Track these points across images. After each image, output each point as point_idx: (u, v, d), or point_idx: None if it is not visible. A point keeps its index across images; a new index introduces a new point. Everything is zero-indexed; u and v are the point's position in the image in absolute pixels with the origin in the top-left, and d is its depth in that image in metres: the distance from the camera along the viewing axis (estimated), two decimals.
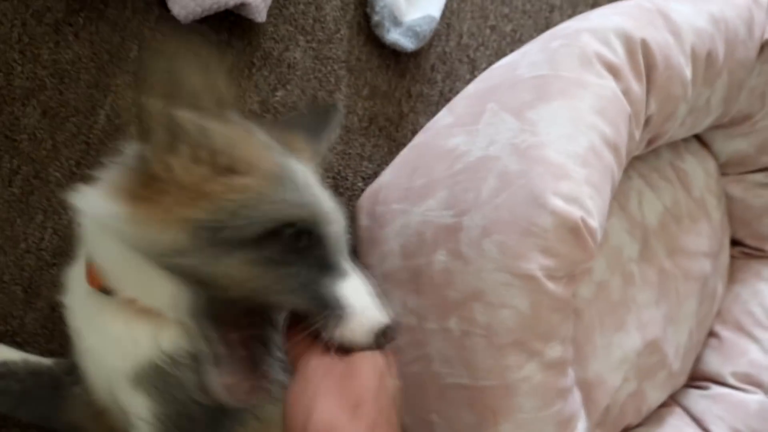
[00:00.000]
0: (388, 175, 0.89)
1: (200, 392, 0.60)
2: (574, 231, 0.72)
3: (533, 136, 0.77)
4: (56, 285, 0.81)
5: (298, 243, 0.58)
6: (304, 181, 0.62)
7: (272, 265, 0.57)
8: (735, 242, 1.24)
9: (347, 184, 0.98)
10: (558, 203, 0.72)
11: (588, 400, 0.95)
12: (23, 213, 0.80)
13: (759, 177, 1.19)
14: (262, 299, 0.59)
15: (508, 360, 0.75)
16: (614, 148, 0.81)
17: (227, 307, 0.59)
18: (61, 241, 0.82)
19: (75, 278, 0.70)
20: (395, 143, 1.03)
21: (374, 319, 0.60)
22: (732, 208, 1.21)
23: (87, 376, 0.70)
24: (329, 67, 0.98)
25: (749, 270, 1.23)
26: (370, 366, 0.58)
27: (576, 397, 0.85)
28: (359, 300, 0.60)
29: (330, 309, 0.59)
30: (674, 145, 1.11)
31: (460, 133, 0.84)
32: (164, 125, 0.57)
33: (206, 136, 0.58)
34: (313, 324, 0.59)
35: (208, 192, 0.57)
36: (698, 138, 1.17)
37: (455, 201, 0.78)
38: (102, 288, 0.64)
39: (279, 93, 0.94)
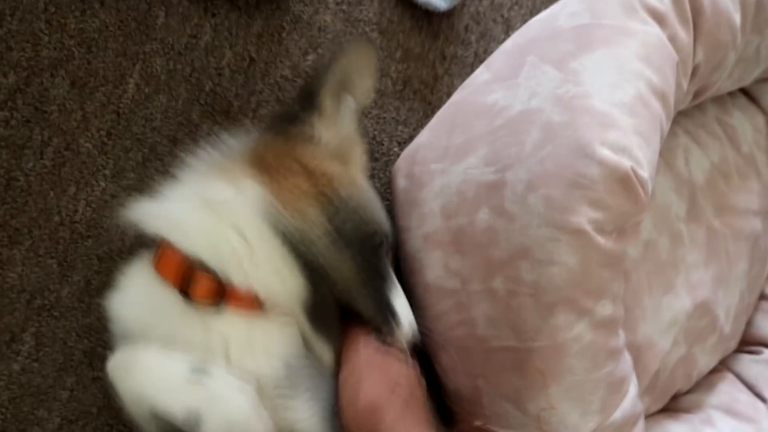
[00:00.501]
0: (425, 135, 0.86)
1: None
2: (624, 181, 0.69)
3: (577, 86, 0.74)
4: (91, 258, 0.80)
5: (379, 250, 0.68)
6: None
7: (366, 268, 0.66)
8: None
9: (383, 149, 0.96)
10: (606, 153, 0.69)
11: (638, 364, 0.92)
12: (56, 185, 0.79)
13: None
14: (353, 300, 0.67)
15: (557, 319, 0.72)
16: (662, 96, 0.77)
17: (328, 307, 0.66)
18: (95, 213, 0.80)
19: (163, 308, 0.64)
20: (430, 106, 1.00)
21: (411, 333, 0.71)
22: None
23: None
24: (360, 30, 0.95)
25: None
26: (402, 361, 0.68)
27: (627, 359, 0.82)
28: (405, 314, 0.70)
29: (389, 316, 0.68)
30: (720, 100, 1.07)
31: (499, 88, 0.80)
32: (332, 103, 0.69)
33: (340, 125, 0.70)
34: (372, 325, 0.67)
35: (327, 175, 0.66)
36: (745, 93, 1.12)
37: (497, 157, 0.75)
38: (210, 299, 0.62)
39: (310, 57, 0.91)
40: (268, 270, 0.63)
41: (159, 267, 0.64)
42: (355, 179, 0.69)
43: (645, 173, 0.71)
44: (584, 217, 0.69)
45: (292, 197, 0.64)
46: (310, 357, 0.65)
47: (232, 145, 0.70)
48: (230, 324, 0.62)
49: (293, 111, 0.70)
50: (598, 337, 0.74)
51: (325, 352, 0.66)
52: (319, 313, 0.65)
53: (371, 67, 0.73)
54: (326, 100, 0.70)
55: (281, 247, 0.63)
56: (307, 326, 0.65)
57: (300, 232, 0.63)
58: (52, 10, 0.78)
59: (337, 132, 0.70)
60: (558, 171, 0.70)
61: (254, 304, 0.63)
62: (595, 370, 0.75)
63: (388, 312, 0.68)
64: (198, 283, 0.62)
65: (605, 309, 0.73)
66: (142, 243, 0.70)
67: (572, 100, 0.73)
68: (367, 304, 0.67)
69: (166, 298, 0.63)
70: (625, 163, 0.69)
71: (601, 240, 0.70)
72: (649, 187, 0.72)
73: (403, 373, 0.66)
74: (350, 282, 0.65)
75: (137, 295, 0.66)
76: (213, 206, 0.64)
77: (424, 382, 0.70)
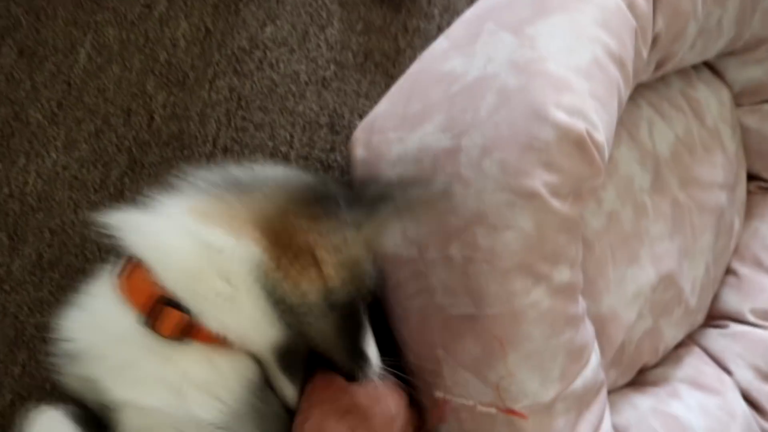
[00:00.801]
0: (383, 105, 0.85)
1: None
2: (579, 144, 0.68)
3: (533, 50, 0.73)
4: (42, 231, 0.78)
5: (361, 310, 0.69)
6: None
7: (348, 324, 0.67)
8: (752, 177, 1.20)
9: (344, 123, 0.95)
10: (560, 115, 0.68)
11: (602, 336, 0.91)
12: (4, 157, 0.77)
13: None
14: (328, 351, 0.67)
15: (514, 285, 0.71)
16: (620, 62, 0.76)
17: (300, 354, 0.67)
18: (46, 185, 0.79)
19: (122, 333, 0.62)
20: (392, 80, 0.99)
21: (376, 371, 0.70)
22: (748, 141, 1.17)
23: None
24: (320, 1, 0.94)
25: (767, 204, 1.18)
26: (364, 390, 0.70)
27: (588, 327, 0.81)
28: (374, 356, 0.70)
29: (362, 363, 0.69)
30: (685, 73, 1.07)
31: (456, 55, 0.80)
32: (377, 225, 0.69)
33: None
34: (341, 370, 0.69)
35: (333, 278, 0.65)
36: (710, 67, 1.12)
37: (453, 123, 0.74)
38: (176, 334, 0.60)
39: (268, 28, 0.90)
40: (246, 321, 0.62)
41: (126, 287, 0.62)
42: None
43: (601, 137, 0.70)
44: (539, 180, 0.68)
45: (294, 275, 0.63)
46: (267, 394, 0.65)
47: (239, 182, 0.67)
48: (191, 359, 0.60)
49: (336, 201, 0.67)
50: (556, 303, 0.73)
51: (288, 389, 0.67)
52: (291, 358, 0.66)
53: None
54: (376, 221, 0.68)
55: (267, 306, 0.62)
56: (274, 366, 0.65)
57: (293, 305, 0.63)
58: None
59: (360, 249, 0.68)
60: (512, 135, 0.69)
61: (221, 341, 0.62)
62: (553, 337, 0.74)
63: (361, 360, 0.69)
64: (167, 319, 0.60)
65: (563, 274, 0.73)
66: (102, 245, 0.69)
67: (528, 64, 0.72)
68: (342, 355, 0.68)
69: (127, 323, 0.60)
70: (580, 125, 0.68)
71: (556, 203, 0.69)
72: (606, 151, 0.72)
73: (362, 402, 0.68)
74: (329, 338, 0.66)
75: (96, 317, 0.63)
76: (207, 250, 0.61)
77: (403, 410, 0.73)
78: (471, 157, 0.71)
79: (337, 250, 0.65)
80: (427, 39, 1.02)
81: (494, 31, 0.78)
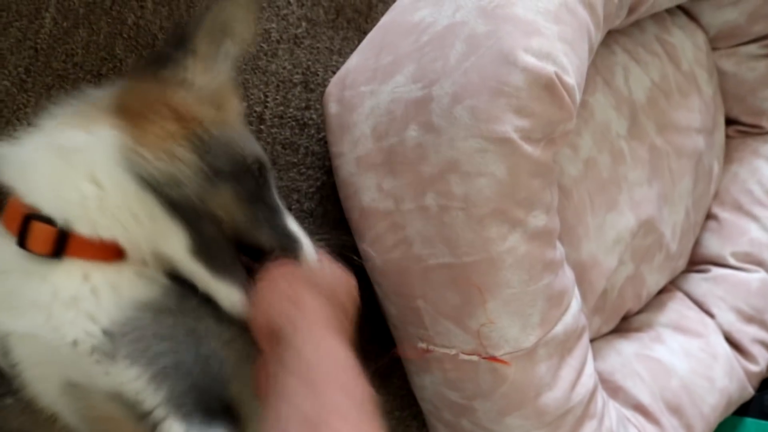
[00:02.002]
0: (354, 59, 0.84)
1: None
2: (549, 87, 0.68)
3: None
4: None
5: (260, 180, 0.64)
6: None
7: (250, 198, 0.63)
8: (730, 121, 1.20)
9: (318, 80, 0.94)
10: (529, 59, 0.68)
11: (583, 283, 0.92)
12: None
13: (752, 48, 1.14)
14: (244, 234, 0.63)
15: (490, 231, 0.71)
16: (589, 5, 0.76)
17: (220, 246, 0.62)
18: None
19: (6, 263, 0.60)
20: (365, 35, 0.98)
21: (312, 250, 0.66)
22: (725, 85, 1.17)
23: (26, 374, 0.59)
24: None
25: (746, 148, 1.19)
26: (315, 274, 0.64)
27: (567, 273, 0.82)
28: (301, 234, 0.66)
29: (288, 241, 0.65)
30: (660, 18, 1.06)
31: (425, 5, 0.79)
32: (208, 47, 0.66)
33: (222, 63, 0.67)
34: (279, 256, 0.63)
35: (198, 118, 0.62)
36: (685, 11, 1.11)
37: (423, 73, 0.74)
38: (49, 250, 0.58)
39: None
40: (124, 217, 0.60)
41: (3, 218, 0.61)
42: (228, 121, 0.66)
43: (571, 80, 0.70)
44: (510, 125, 0.68)
45: (158, 140, 0.60)
46: (187, 313, 0.61)
47: (98, 94, 0.66)
48: (64, 276, 0.58)
49: (165, 53, 0.66)
50: (533, 249, 0.74)
51: (227, 291, 0.61)
52: (212, 254, 0.61)
53: (252, 14, 0.70)
54: (202, 43, 0.66)
55: (142, 193, 0.59)
56: (200, 270, 0.61)
57: (167, 175, 0.59)
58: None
59: (213, 77, 0.66)
60: (482, 81, 0.69)
61: (108, 253, 0.60)
62: (531, 282, 0.75)
63: (286, 238, 0.65)
64: (35, 234, 0.58)
65: (538, 219, 0.73)
66: None
67: (495, 9, 0.72)
68: (263, 234, 0.64)
69: (9, 252, 0.59)
70: (549, 68, 0.68)
71: (528, 148, 0.69)
72: (577, 94, 0.72)
73: (315, 284, 0.62)
74: (236, 215, 0.62)
75: None
76: (64, 154, 0.60)
77: (355, 293, 0.66)
78: (442, 106, 0.71)
79: (190, 93, 0.64)
80: None
81: None
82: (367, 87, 0.79)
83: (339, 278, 0.65)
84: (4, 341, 0.58)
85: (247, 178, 0.63)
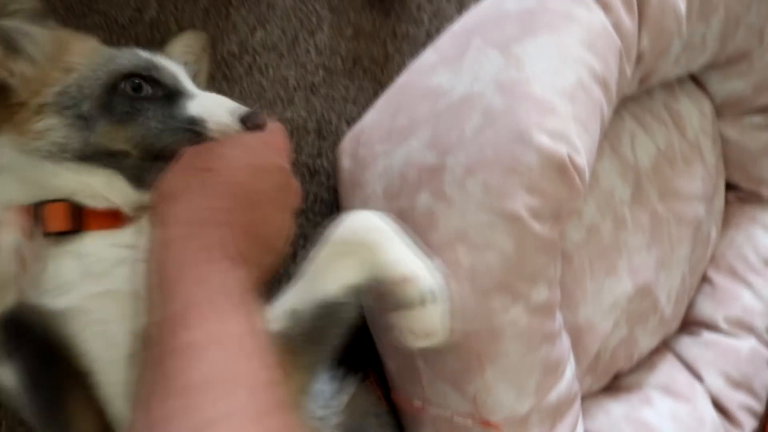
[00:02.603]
0: (370, 117, 0.86)
1: None
2: (561, 169, 0.70)
3: (518, 71, 0.74)
4: None
5: (141, 91, 0.64)
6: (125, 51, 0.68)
7: (132, 116, 0.63)
8: (730, 186, 1.22)
9: (332, 128, 0.95)
10: (543, 140, 0.69)
11: (578, 346, 0.94)
12: None
13: (756, 119, 1.16)
14: (153, 148, 0.63)
15: (493, 303, 0.73)
16: (603, 83, 0.78)
17: (148, 167, 0.62)
18: None
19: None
20: (380, 85, 1.00)
21: (231, 106, 0.64)
22: (727, 151, 1.19)
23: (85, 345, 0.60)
24: (310, 6, 0.94)
25: (744, 215, 1.21)
26: (229, 142, 0.62)
27: (564, 341, 0.83)
28: (210, 103, 0.65)
29: (196, 126, 0.63)
30: (668, 86, 1.08)
31: (444, 71, 0.80)
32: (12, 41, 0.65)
33: (32, 36, 0.65)
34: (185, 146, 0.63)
35: (51, 80, 0.64)
36: (693, 78, 1.13)
37: (438, 140, 0.75)
38: (69, 225, 0.61)
39: (258, 33, 0.90)
40: (83, 185, 0.63)
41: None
42: (76, 66, 0.65)
43: (582, 160, 0.71)
44: (520, 203, 0.70)
45: (25, 125, 0.63)
46: None
47: None
48: (95, 244, 0.62)
49: None
50: (533, 321, 0.75)
51: None
52: (147, 178, 0.63)
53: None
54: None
55: (61, 166, 0.63)
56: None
57: (52, 145, 0.62)
58: None
59: (30, 48, 0.66)
60: (496, 157, 0.70)
61: (115, 219, 0.64)
62: (530, 354, 0.76)
63: (189, 125, 0.63)
64: (49, 215, 0.62)
65: (541, 294, 0.75)
66: None
67: (513, 85, 0.73)
68: (164, 138, 0.63)
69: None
70: (562, 150, 0.69)
71: (536, 226, 0.71)
72: (587, 174, 0.73)
73: (226, 153, 0.61)
74: (131, 139, 0.63)
75: None
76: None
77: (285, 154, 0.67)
78: (455, 176, 0.72)
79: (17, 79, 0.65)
80: (416, 45, 1.03)
81: (482, 47, 0.79)
82: (381, 147, 0.81)
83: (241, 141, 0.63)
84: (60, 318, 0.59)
85: (120, 101, 0.63)
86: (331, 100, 0.96)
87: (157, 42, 0.84)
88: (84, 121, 0.63)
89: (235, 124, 0.63)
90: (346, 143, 0.85)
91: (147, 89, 0.64)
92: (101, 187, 0.63)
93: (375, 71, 0.99)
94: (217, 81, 0.88)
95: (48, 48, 0.66)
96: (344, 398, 0.86)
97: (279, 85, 0.92)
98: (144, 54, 0.68)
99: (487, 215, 0.71)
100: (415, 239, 0.76)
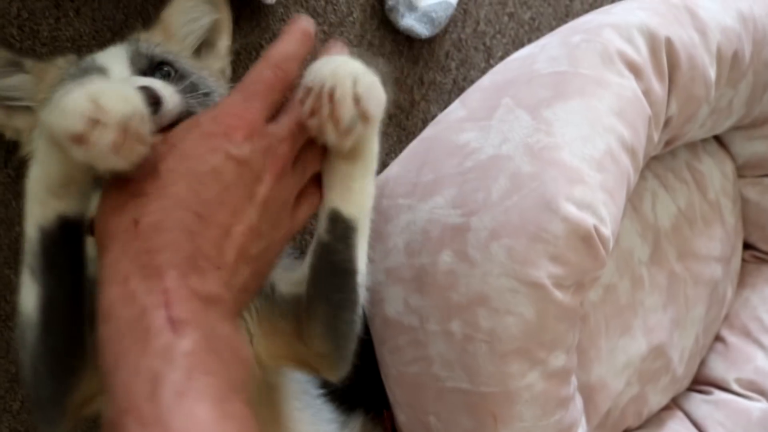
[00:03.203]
0: (395, 168, 0.86)
1: None
2: (586, 239, 0.70)
3: (548, 136, 0.74)
4: None
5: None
6: None
7: None
8: (747, 246, 1.21)
9: None
10: (570, 209, 0.69)
11: (589, 405, 0.93)
12: (18, 195, 0.78)
13: None
14: None
15: (511, 367, 0.73)
16: (632, 152, 0.78)
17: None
18: None
19: None
20: (405, 132, 1.00)
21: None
22: (746, 211, 1.18)
23: None
24: None
25: (760, 275, 1.20)
26: (161, 151, 0.52)
27: (577, 404, 0.83)
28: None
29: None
30: (692, 145, 1.08)
31: (472, 128, 0.81)
32: None
33: (18, 86, 0.68)
34: None
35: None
36: (717, 138, 1.13)
37: (464, 200, 0.75)
38: None
39: None
40: None
41: None
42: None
43: (607, 231, 0.71)
44: (544, 271, 0.70)
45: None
46: None
47: None
48: None
49: None
50: (549, 387, 0.75)
51: None
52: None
53: None
54: None
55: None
56: None
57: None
58: (25, 15, 0.77)
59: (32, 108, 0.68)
60: (522, 223, 0.70)
61: None
62: (544, 418, 0.76)
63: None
64: None
65: (558, 360, 0.74)
66: None
67: (542, 150, 0.73)
68: None
69: None
70: (589, 221, 0.69)
71: (559, 295, 0.70)
72: (611, 244, 0.73)
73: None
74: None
75: None
76: None
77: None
78: (479, 239, 0.72)
79: None
80: (442, 92, 1.03)
81: (511, 107, 0.79)
82: (405, 200, 0.81)
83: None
84: None
85: None
86: None
87: None
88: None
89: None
90: None
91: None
92: None
93: (400, 118, 1.00)
94: None
95: (35, 90, 0.67)
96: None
97: None
98: (84, 62, 0.66)
99: (510, 281, 0.70)
100: (436, 297, 0.76)
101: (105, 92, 0.47)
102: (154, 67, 0.65)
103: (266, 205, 0.54)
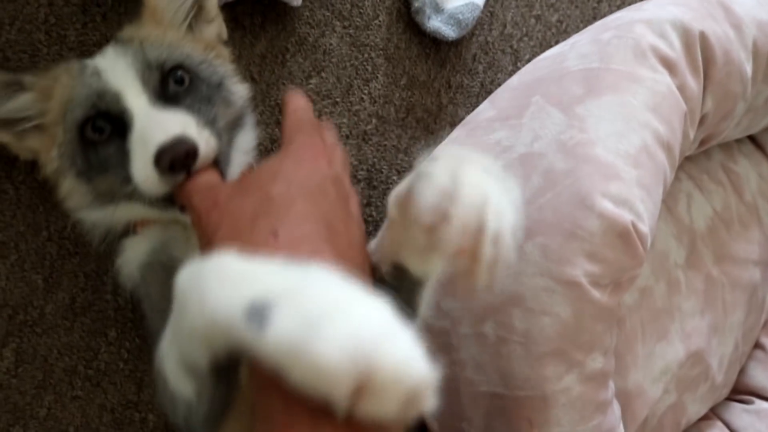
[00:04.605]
0: None
1: None
2: (624, 236, 0.67)
3: (581, 132, 0.72)
4: (77, 275, 0.78)
5: (103, 132, 0.60)
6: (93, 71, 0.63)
7: (103, 165, 0.61)
8: None
9: (381, 177, 0.94)
10: (607, 206, 0.67)
11: (627, 412, 0.90)
12: (46, 200, 0.77)
13: None
14: (137, 198, 0.60)
15: (547, 370, 0.70)
16: (668, 147, 0.76)
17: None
18: (83, 230, 0.79)
19: None
20: (433, 135, 0.99)
21: (153, 148, 0.56)
22: None
23: None
24: (366, 55, 0.93)
25: None
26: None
27: (615, 409, 0.80)
28: (138, 151, 0.58)
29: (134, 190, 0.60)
30: (727, 147, 1.06)
31: (502, 127, 0.79)
32: None
33: (22, 106, 0.66)
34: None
35: (56, 138, 0.64)
36: (752, 139, 1.10)
37: None
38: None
39: (313, 80, 0.90)
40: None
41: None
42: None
43: (645, 227, 0.69)
44: (580, 269, 0.68)
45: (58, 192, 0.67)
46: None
47: None
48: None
49: None
50: (587, 390, 0.72)
51: None
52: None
53: None
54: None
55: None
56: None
57: (75, 204, 0.66)
58: (53, 21, 0.77)
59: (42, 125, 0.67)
60: (557, 221, 0.69)
61: None
62: (582, 423, 0.73)
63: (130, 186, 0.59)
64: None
65: (596, 362, 0.72)
66: None
67: (576, 147, 0.71)
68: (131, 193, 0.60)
69: None
70: (626, 217, 0.67)
71: (596, 293, 0.68)
72: (648, 241, 0.71)
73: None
74: (113, 190, 0.62)
75: None
76: None
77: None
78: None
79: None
80: (469, 95, 1.02)
81: (542, 105, 0.77)
82: None
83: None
84: None
85: (90, 150, 0.61)
86: (382, 149, 0.95)
87: None
88: (84, 176, 0.62)
89: (156, 177, 0.56)
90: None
91: (105, 127, 0.60)
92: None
93: (427, 121, 0.98)
94: (270, 126, 0.87)
95: (42, 108, 0.65)
96: None
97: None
98: (91, 77, 0.63)
99: (545, 280, 0.68)
100: (468, 300, 0.74)
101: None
102: (168, 75, 0.63)
103: (359, 220, 0.57)
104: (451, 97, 1.00)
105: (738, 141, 1.07)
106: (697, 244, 0.98)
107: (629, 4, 1.20)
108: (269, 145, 0.87)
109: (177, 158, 0.55)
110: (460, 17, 0.95)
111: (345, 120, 0.92)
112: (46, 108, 0.65)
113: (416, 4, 0.93)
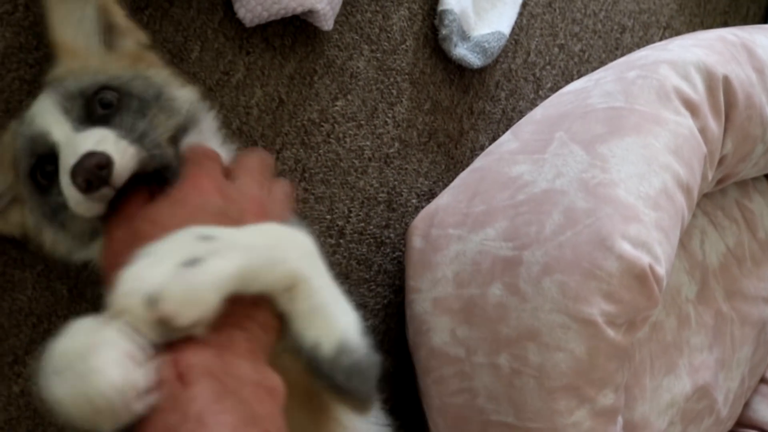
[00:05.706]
0: (446, 198, 0.86)
1: None
2: (641, 278, 0.69)
3: (603, 172, 0.74)
4: (101, 287, 0.80)
5: (51, 178, 0.60)
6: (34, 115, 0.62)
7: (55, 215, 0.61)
8: None
9: (401, 200, 0.96)
10: (626, 247, 0.69)
11: None
12: None
13: None
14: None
15: (558, 404, 0.72)
16: (687, 190, 0.77)
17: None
18: None
19: None
20: (453, 161, 1.00)
21: (68, 163, 0.56)
22: None
23: None
24: (392, 79, 0.95)
25: None
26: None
27: None
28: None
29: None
30: (742, 183, 1.07)
31: (525, 161, 0.81)
32: None
33: None
34: None
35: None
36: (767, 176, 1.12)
37: (516, 233, 0.75)
38: None
39: (339, 102, 0.91)
40: None
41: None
42: None
43: (662, 270, 0.71)
44: (597, 308, 0.69)
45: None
46: None
47: None
48: None
49: None
50: (596, 425, 0.74)
51: None
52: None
53: None
54: None
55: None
56: None
57: (62, 255, 0.67)
58: None
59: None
60: (576, 259, 0.70)
61: None
62: None
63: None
64: None
65: (607, 398, 0.73)
66: None
67: (597, 187, 0.73)
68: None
69: None
70: (644, 259, 0.69)
71: (611, 333, 0.70)
72: (665, 283, 0.72)
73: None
74: (42, 229, 0.65)
75: None
76: None
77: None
78: (531, 273, 0.72)
79: None
80: (491, 122, 1.03)
81: (565, 142, 0.79)
82: (455, 230, 0.81)
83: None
84: None
85: (44, 200, 0.62)
86: (403, 173, 0.96)
87: (241, 105, 0.85)
88: (55, 223, 0.63)
89: (81, 198, 0.57)
90: (419, 222, 0.86)
91: (51, 169, 0.60)
92: None
93: (449, 146, 1.00)
94: (294, 147, 0.89)
95: (3, 179, 0.65)
96: None
97: (354, 155, 0.92)
98: (26, 127, 0.62)
99: (561, 317, 0.70)
100: (484, 329, 0.76)
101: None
102: (92, 100, 0.62)
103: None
104: (473, 123, 1.02)
105: (753, 179, 1.08)
106: (709, 279, 0.99)
107: (651, 36, 1.21)
108: (293, 166, 0.88)
109: (90, 173, 0.55)
110: (486, 45, 0.96)
111: (368, 143, 0.93)
112: (8, 178, 0.65)
113: (444, 32, 0.94)
